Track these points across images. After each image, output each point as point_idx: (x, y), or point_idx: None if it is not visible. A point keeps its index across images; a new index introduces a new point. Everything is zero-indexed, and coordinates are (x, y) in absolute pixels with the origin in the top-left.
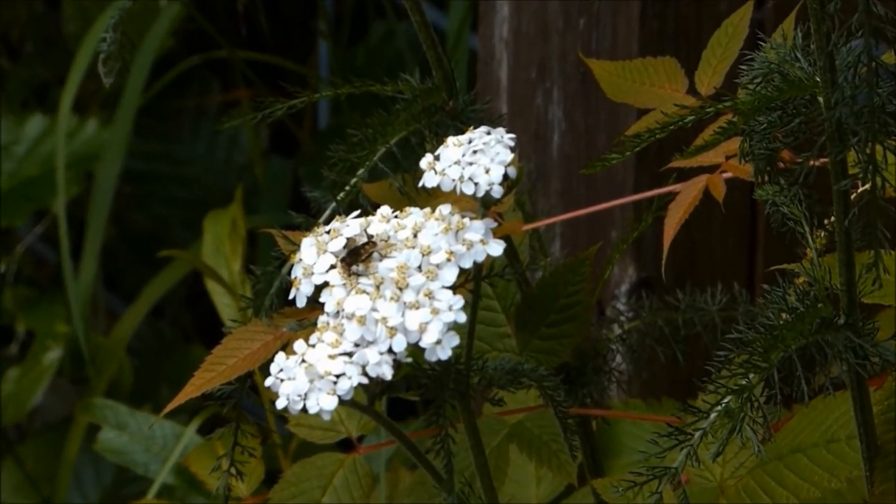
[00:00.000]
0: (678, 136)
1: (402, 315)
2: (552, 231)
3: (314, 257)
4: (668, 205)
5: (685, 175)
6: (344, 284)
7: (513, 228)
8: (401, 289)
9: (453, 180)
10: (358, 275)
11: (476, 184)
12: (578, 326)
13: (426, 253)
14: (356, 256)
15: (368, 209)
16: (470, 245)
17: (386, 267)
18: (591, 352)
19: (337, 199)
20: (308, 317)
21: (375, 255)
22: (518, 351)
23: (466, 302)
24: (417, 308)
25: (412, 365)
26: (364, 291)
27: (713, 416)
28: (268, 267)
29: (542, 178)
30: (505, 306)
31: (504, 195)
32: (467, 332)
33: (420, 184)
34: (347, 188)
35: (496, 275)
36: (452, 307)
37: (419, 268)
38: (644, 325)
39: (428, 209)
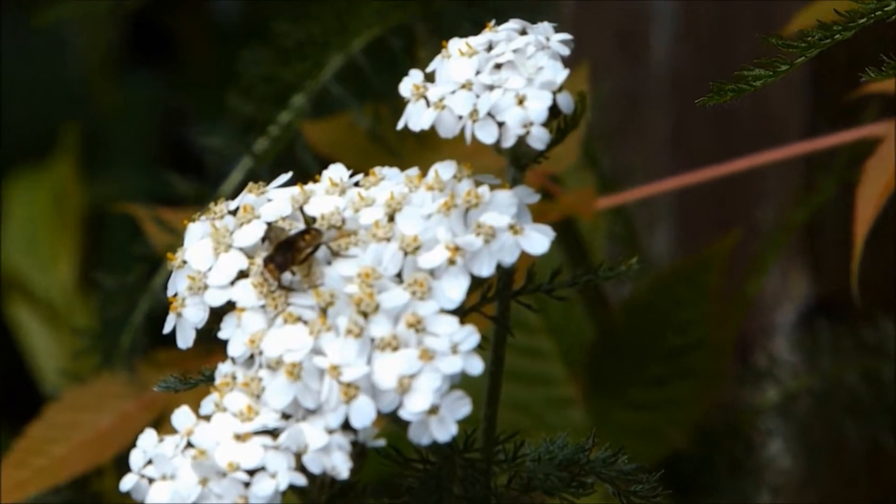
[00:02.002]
0: (880, 39)
1: (369, 362)
2: (653, 208)
3: (210, 257)
4: (863, 162)
5: (893, 108)
6: (263, 306)
7: (576, 204)
8: (365, 314)
9: (459, 118)
10: (289, 289)
11: (501, 124)
12: (701, 385)
13: (412, 250)
14: (286, 256)
15: (311, 170)
16: (490, 235)
17: (340, 275)
18: (724, 431)
19: (253, 152)
20: (198, 365)
21: (320, 253)
22: (587, 427)
23: (485, 338)
24: (395, 349)
25: (386, 452)
26: (300, 319)
27: None
28: (126, 275)
29: (633, 113)
30: (564, 347)
31: (553, 144)
32: (486, 392)
33: (400, 124)
34: (274, 131)
35: (541, 289)
36: (459, 347)
37: (399, 276)
38: (823, 383)
39: (415, 170)
